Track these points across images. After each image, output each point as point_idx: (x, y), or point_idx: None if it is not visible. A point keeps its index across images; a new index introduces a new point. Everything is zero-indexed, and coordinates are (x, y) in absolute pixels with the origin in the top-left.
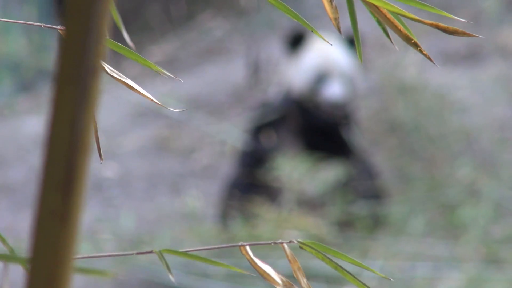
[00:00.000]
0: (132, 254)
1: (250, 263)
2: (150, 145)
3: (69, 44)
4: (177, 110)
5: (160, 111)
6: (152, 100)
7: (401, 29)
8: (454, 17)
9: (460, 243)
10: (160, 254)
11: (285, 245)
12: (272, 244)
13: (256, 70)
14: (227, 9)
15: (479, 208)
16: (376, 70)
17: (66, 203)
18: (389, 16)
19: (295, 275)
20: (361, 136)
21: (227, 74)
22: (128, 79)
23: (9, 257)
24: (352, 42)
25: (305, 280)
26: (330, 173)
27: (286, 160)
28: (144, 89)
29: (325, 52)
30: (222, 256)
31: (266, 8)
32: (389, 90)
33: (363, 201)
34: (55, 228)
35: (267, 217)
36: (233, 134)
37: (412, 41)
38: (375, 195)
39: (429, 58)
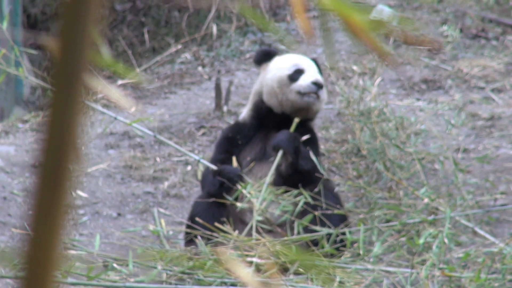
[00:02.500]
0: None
1: (226, 267)
2: (119, 168)
3: (63, 53)
4: (147, 134)
5: (129, 135)
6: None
7: (375, 44)
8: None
9: (421, 267)
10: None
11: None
12: (253, 244)
13: (224, 96)
14: (195, 38)
15: (440, 232)
16: (339, 96)
17: (57, 188)
18: (363, 34)
19: (271, 278)
20: (324, 161)
21: (196, 100)
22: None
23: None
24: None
25: (282, 282)
26: (294, 197)
27: (253, 184)
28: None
29: (299, 56)
30: (187, 281)
31: (233, 36)
32: (352, 115)
33: (326, 226)
34: (49, 211)
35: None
36: (200, 158)
37: (385, 54)
38: (338, 219)
39: (400, 63)
